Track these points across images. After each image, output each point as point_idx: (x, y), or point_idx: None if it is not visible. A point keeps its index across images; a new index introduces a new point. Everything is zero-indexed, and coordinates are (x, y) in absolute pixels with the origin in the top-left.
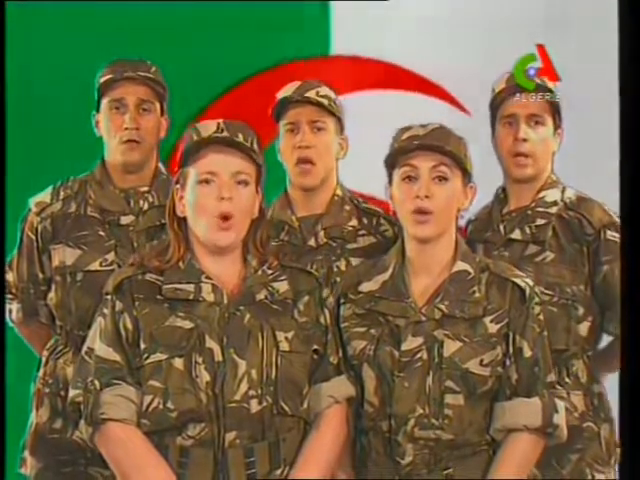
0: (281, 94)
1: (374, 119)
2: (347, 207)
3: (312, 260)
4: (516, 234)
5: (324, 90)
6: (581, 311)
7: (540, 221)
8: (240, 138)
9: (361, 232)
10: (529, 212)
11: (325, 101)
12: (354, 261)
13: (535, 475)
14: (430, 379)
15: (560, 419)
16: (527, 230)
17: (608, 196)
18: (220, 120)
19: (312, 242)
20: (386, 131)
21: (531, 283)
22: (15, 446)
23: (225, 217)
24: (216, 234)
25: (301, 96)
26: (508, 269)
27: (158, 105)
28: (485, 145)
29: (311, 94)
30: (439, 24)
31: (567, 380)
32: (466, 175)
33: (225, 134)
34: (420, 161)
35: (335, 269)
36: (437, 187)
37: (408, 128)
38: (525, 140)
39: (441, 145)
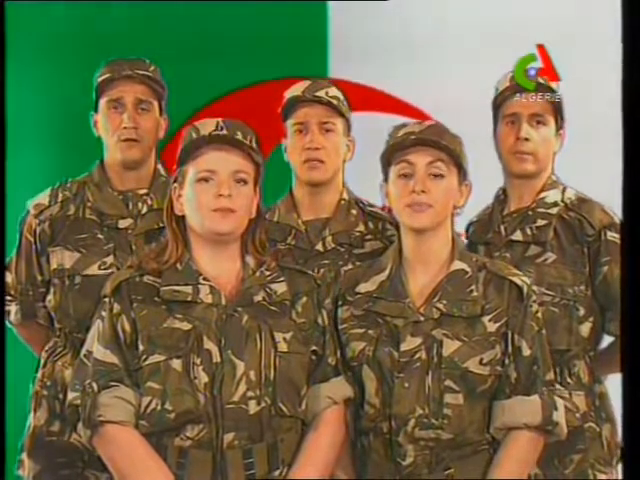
0: (290, 93)
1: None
2: (354, 211)
3: (319, 265)
4: (517, 235)
5: (333, 90)
6: (582, 312)
7: (541, 222)
8: (239, 136)
9: (368, 237)
10: (530, 213)
11: (335, 101)
12: None
13: (537, 475)
14: (429, 379)
15: (559, 416)
16: (528, 231)
17: (608, 197)
18: (219, 119)
19: (320, 247)
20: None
21: (529, 281)
22: (15, 448)
23: (224, 211)
24: (215, 222)
25: (311, 95)
26: (505, 268)
27: (157, 104)
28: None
29: (321, 93)
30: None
31: (569, 380)
32: (462, 172)
33: (225, 132)
34: (416, 157)
35: (342, 274)
36: (433, 183)
37: (404, 125)
38: (527, 139)
39: (437, 140)
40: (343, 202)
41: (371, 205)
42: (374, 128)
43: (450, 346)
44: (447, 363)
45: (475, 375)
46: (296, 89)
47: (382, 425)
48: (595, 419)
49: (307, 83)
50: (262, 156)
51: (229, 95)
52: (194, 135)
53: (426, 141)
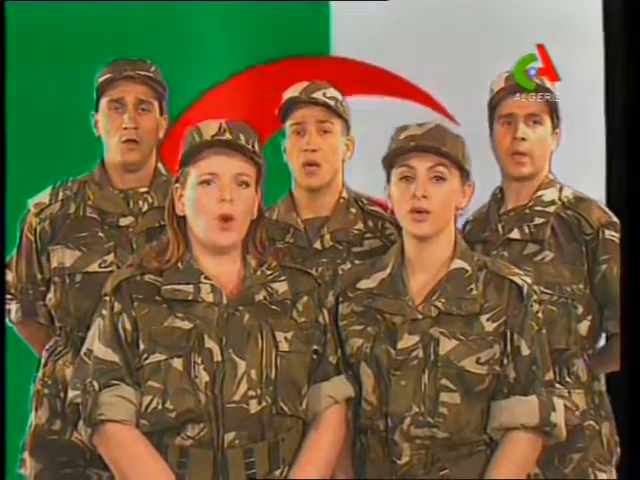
0: (288, 94)
1: (364, 123)
2: (353, 210)
3: (318, 263)
4: (515, 234)
5: (331, 91)
6: (581, 310)
7: (538, 220)
8: (242, 140)
9: (367, 235)
10: (527, 211)
11: (332, 102)
12: None
13: (537, 475)
14: (426, 377)
15: (558, 417)
16: (526, 229)
17: (607, 196)
18: (222, 120)
19: (318, 245)
20: (373, 136)
21: (529, 281)
22: (15, 447)
23: (226, 218)
24: (216, 234)
25: (308, 97)
26: (506, 267)
27: (157, 104)
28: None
29: (318, 95)
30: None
31: (568, 379)
32: (464, 174)
33: (227, 136)
34: (417, 162)
35: (341, 272)
36: (434, 187)
37: (405, 127)
38: (523, 139)
39: (437, 146)
40: (342, 201)
41: (371, 203)
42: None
43: (447, 344)
44: (443, 362)
45: (472, 374)
46: (294, 90)
47: (379, 423)
48: (594, 417)
49: (304, 84)
50: (264, 158)
51: (223, 83)
52: (197, 138)
53: (427, 147)
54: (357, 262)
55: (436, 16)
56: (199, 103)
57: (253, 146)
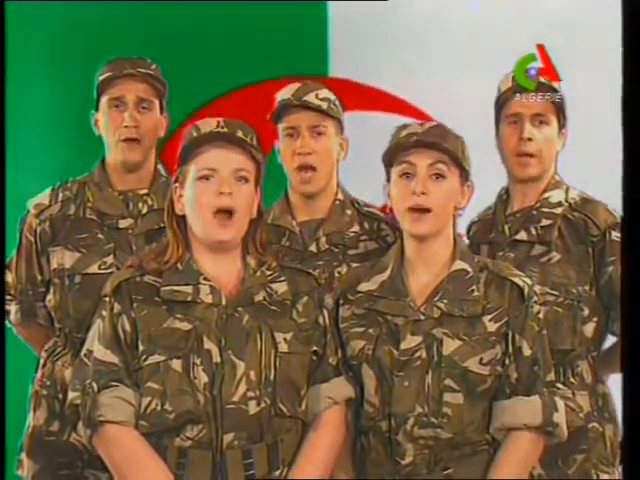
0: (280, 96)
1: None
2: (348, 212)
3: (313, 266)
4: (521, 235)
5: (323, 92)
6: (586, 312)
7: (545, 222)
8: (240, 134)
9: (363, 237)
10: (534, 213)
11: (325, 104)
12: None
13: (541, 475)
14: (429, 378)
15: (560, 417)
16: (533, 231)
17: (610, 196)
18: (220, 118)
19: (313, 248)
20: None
21: (530, 282)
22: (15, 447)
23: (224, 211)
24: (215, 229)
25: (300, 100)
26: (507, 268)
27: (157, 103)
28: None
29: (310, 97)
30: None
31: (572, 380)
32: (464, 174)
33: (225, 130)
34: (417, 158)
35: (337, 275)
36: (434, 184)
37: (406, 126)
38: (530, 139)
39: (439, 142)
40: (338, 202)
41: (367, 205)
42: (374, 128)
43: (450, 345)
44: (447, 362)
45: (475, 374)
46: (286, 92)
47: (381, 424)
48: (598, 419)
49: (297, 86)
50: (263, 155)
51: (226, 95)
52: (195, 133)
53: (428, 143)
54: (353, 264)
55: (436, 15)
56: (200, 113)
57: (252, 141)
